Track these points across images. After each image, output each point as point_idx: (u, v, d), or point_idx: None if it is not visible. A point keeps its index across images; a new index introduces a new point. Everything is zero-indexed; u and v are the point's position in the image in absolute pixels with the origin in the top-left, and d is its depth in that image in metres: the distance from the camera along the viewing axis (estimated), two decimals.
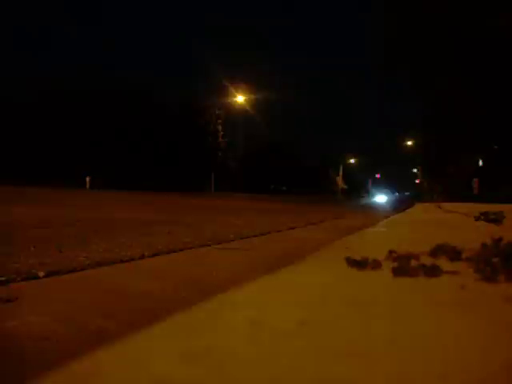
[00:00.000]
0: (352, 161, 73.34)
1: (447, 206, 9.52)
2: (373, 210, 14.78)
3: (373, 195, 69.22)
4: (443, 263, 1.22)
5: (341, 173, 69.67)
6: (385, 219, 5.44)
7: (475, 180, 18.46)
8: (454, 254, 1.30)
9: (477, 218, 3.78)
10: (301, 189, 58.86)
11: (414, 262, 1.20)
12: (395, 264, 1.20)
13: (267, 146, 63.75)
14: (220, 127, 50.55)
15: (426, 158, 29.30)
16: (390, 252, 1.31)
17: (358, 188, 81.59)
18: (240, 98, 41.14)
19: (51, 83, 44.30)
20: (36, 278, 1.92)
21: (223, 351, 0.61)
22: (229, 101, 43.05)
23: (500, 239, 1.19)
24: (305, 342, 0.65)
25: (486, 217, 3.65)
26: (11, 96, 43.22)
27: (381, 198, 56.88)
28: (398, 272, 1.16)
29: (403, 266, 1.18)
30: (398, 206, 20.32)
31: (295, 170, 64.35)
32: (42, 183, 29.87)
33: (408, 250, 1.28)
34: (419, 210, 8.63)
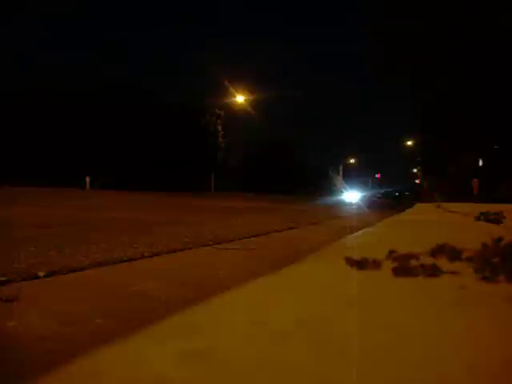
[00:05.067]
0: (352, 161, 73.31)
1: (447, 205, 9.52)
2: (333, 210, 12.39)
3: (343, 192, 55.61)
4: (443, 263, 1.22)
5: (341, 173, 69.57)
6: (384, 219, 5.44)
7: (475, 180, 18.46)
8: (454, 254, 1.30)
9: (477, 218, 3.78)
10: (301, 189, 58.74)
11: (413, 262, 1.20)
12: (395, 264, 1.20)
13: (267, 146, 63.81)
14: (220, 127, 50.54)
15: (425, 158, 29.29)
16: (390, 252, 1.31)
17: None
18: (240, 98, 41.17)
19: (51, 82, 44.32)
20: (36, 277, 1.92)
21: (223, 351, 0.61)
22: (229, 101, 43.10)
23: (500, 239, 1.19)
24: (305, 342, 0.65)
25: (485, 217, 3.65)
26: (11, 95, 43.21)
27: (352, 196, 44.95)
28: (398, 272, 1.15)
29: (403, 265, 1.18)
30: (374, 206, 16.71)
31: (295, 170, 64.37)
32: (42, 183, 29.87)
33: (408, 249, 1.28)
34: (419, 210, 8.63)
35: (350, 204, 22.64)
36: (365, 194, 53.31)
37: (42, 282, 1.88)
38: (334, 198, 36.88)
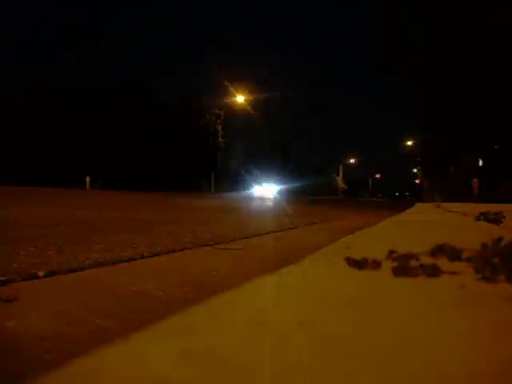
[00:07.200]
0: (352, 161, 73.32)
1: (447, 205, 9.52)
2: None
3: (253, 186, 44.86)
4: (443, 263, 1.22)
5: (341, 173, 69.56)
6: (385, 219, 5.44)
7: (475, 180, 18.47)
8: (454, 254, 1.30)
9: (477, 218, 3.78)
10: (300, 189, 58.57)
11: (413, 262, 1.20)
12: (395, 264, 1.20)
13: (267, 146, 63.93)
14: (220, 127, 50.53)
15: (425, 158, 29.32)
16: (390, 252, 1.31)
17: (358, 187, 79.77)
18: (240, 98, 41.23)
19: (51, 83, 44.32)
20: (36, 277, 1.92)
21: (223, 351, 0.61)
22: (229, 101, 43.15)
23: (500, 239, 1.19)
24: (304, 342, 0.65)
25: (485, 217, 3.65)
26: (11, 96, 43.20)
27: (265, 190, 36.44)
28: (398, 272, 1.15)
29: (403, 265, 1.18)
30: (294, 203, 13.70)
31: (293, 170, 64.45)
32: (42, 183, 29.89)
33: (408, 249, 1.28)
34: (419, 210, 8.63)
35: (262, 199, 18.99)
36: (282, 187, 46.22)
37: (42, 282, 1.88)
38: (242, 193, 32.27)
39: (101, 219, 5.32)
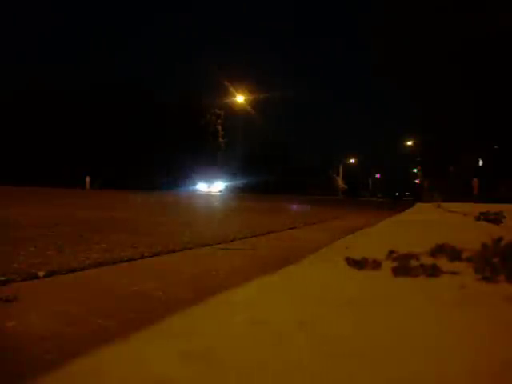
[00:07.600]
0: (352, 161, 73.38)
1: (447, 205, 9.53)
2: None
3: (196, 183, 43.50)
4: (443, 263, 1.22)
5: (341, 173, 69.58)
6: (385, 219, 5.43)
7: (475, 180, 18.46)
8: (454, 254, 1.30)
9: (477, 218, 3.78)
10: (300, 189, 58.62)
11: (414, 262, 1.20)
12: (395, 264, 1.20)
13: (267, 146, 63.99)
14: (220, 127, 50.52)
15: (425, 158, 29.34)
16: (390, 252, 1.31)
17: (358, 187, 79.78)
18: (240, 98, 41.29)
19: (51, 83, 44.34)
20: (36, 277, 1.92)
21: (223, 351, 0.61)
22: (229, 101, 43.21)
23: (500, 239, 1.19)
24: (304, 342, 0.65)
25: (485, 217, 3.65)
26: (10, 96, 43.18)
27: (211, 187, 35.78)
28: (398, 272, 1.15)
29: (403, 265, 1.18)
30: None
31: (295, 170, 64.51)
32: (42, 183, 29.90)
33: (408, 249, 1.28)
34: (419, 210, 8.63)
35: (209, 195, 19.81)
36: (229, 183, 47.44)
37: (42, 282, 1.87)
38: (189, 190, 33.24)
39: (101, 219, 5.32)
